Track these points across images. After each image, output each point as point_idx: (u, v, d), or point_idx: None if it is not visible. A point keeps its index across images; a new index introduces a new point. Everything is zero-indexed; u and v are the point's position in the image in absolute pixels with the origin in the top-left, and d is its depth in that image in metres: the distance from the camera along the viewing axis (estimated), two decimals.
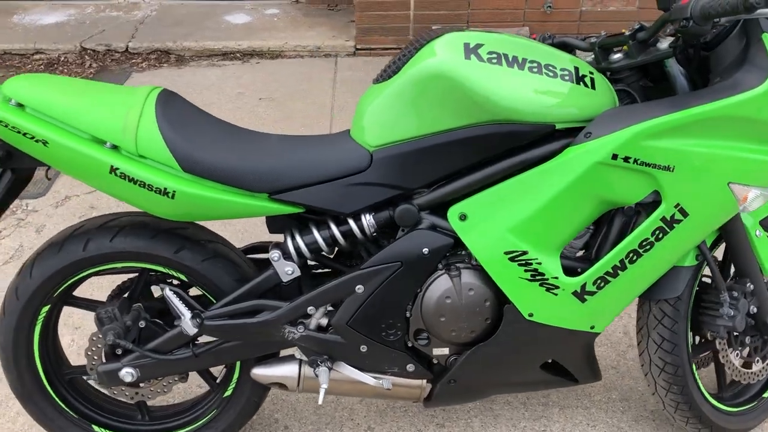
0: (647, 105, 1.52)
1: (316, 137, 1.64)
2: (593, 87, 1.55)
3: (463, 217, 1.56)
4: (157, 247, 1.60)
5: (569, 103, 1.52)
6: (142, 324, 1.67)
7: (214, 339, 1.66)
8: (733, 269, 1.80)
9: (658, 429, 1.96)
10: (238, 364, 1.76)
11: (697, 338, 1.85)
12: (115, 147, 1.47)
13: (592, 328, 1.65)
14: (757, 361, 1.86)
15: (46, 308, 1.67)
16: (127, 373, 1.64)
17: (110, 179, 1.48)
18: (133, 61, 4.28)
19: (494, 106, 1.49)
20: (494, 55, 1.49)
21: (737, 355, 1.82)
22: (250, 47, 4.35)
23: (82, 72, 4.17)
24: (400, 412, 2.01)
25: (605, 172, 1.50)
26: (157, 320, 1.68)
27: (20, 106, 1.47)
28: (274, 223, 1.66)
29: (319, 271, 1.74)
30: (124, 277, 1.74)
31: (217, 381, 1.84)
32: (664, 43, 1.58)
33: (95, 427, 1.80)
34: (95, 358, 1.70)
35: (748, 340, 1.82)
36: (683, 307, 1.71)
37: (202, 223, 1.70)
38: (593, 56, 1.66)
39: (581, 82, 1.54)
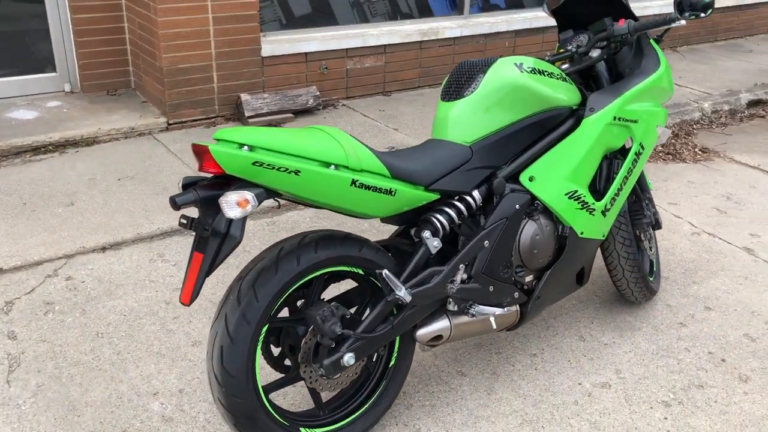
0: (613, 87, 2.46)
1: (427, 146, 2.21)
2: (570, 84, 2.44)
3: (531, 179, 2.30)
4: (348, 249, 2.01)
5: (571, 93, 2.39)
6: (347, 315, 2.03)
7: (399, 313, 2.09)
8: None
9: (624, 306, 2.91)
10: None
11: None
12: (337, 167, 1.88)
13: (603, 235, 2.51)
14: (650, 248, 2.94)
15: (265, 328, 1.93)
16: (349, 358, 1.99)
17: (351, 190, 1.89)
18: None
19: (545, 99, 2.28)
20: (531, 69, 2.28)
21: (651, 241, 2.90)
22: (63, 138, 4.27)
23: None
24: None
25: (610, 129, 2.39)
26: (348, 311, 2.06)
27: (251, 149, 1.78)
28: (402, 217, 2.18)
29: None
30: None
31: (374, 359, 2.23)
32: (595, 53, 2.55)
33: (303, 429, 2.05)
34: (304, 357, 1.99)
35: (651, 231, 2.89)
36: (627, 216, 2.69)
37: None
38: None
39: (566, 81, 2.42)
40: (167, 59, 4.48)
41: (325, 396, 2.27)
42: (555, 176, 2.34)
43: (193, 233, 1.90)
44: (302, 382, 2.21)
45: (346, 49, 5.20)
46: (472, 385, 2.51)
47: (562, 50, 2.63)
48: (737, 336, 2.85)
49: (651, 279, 2.93)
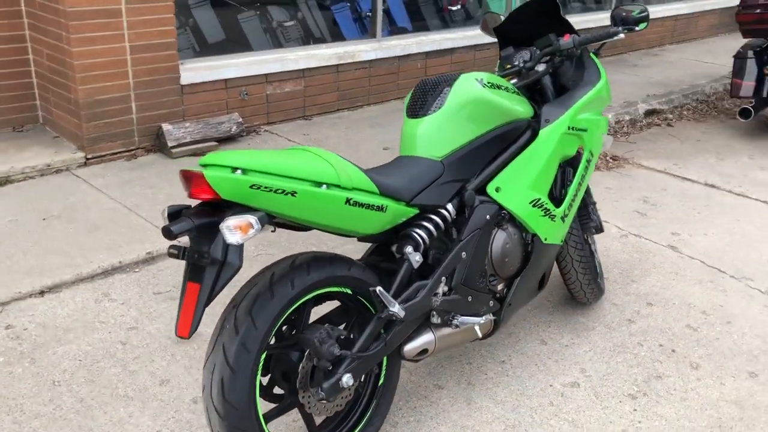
0: (562, 100, 2.60)
1: (401, 162, 2.25)
2: (522, 97, 2.56)
3: (497, 190, 2.39)
4: (337, 269, 2.02)
5: (526, 106, 2.51)
6: (342, 335, 2.02)
7: (389, 329, 2.11)
8: None
9: (575, 308, 3.05)
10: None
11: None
12: (329, 186, 1.88)
13: (562, 240, 2.63)
14: (595, 251, 3.11)
15: (263, 356, 1.89)
16: (348, 379, 1.98)
17: (346, 209, 1.89)
18: None
19: (506, 112, 2.38)
20: (490, 84, 2.38)
21: (594, 245, 3.06)
22: None
23: None
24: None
25: (564, 138, 2.52)
26: (342, 331, 2.05)
27: (245, 172, 1.76)
28: (382, 234, 2.20)
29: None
30: None
31: (362, 378, 2.22)
32: (540, 67, 2.69)
33: None
34: (302, 383, 1.97)
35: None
36: (578, 221, 2.84)
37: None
38: None
39: (519, 95, 2.53)
40: (83, 91, 4.28)
41: (317, 420, 2.24)
42: (519, 186, 2.44)
43: (182, 261, 1.84)
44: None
45: (266, 74, 5.17)
46: (451, 397, 2.55)
47: (508, 65, 2.75)
48: (680, 327, 3.05)
49: (599, 280, 3.09)
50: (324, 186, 1.88)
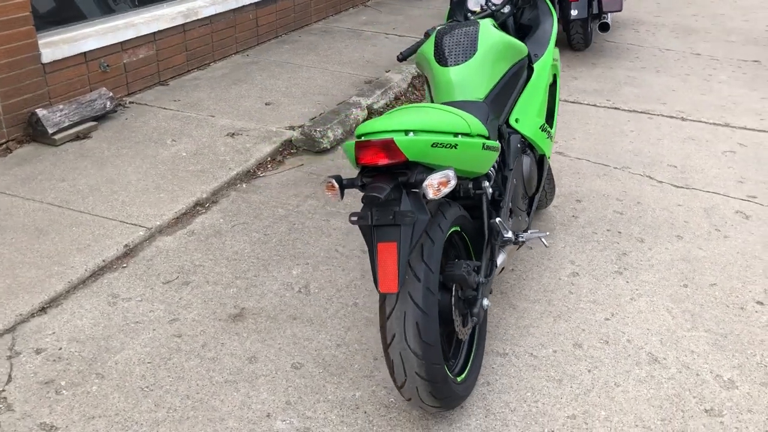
0: (538, 36, 3.02)
1: (461, 107, 2.52)
2: None
3: (517, 120, 2.78)
4: (457, 211, 2.29)
5: (521, 43, 2.90)
6: (475, 267, 2.31)
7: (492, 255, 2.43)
8: None
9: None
10: None
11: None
12: (467, 136, 2.13)
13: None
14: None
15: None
16: (486, 302, 2.29)
17: (481, 153, 2.17)
18: None
19: (519, 50, 2.75)
20: (496, 27, 2.73)
21: None
22: None
23: None
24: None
25: (551, 69, 2.97)
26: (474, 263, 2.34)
27: (415, 133, 1.95)
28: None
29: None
30: None
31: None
32: (506, 9, 3.07)
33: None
34: (457, 312, 2.24)
35: None
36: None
37: None
38: None
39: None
40: None
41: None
42: (531, 115, 2.84)
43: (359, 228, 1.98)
44: None
45: (121, 42, 4.80)
46: (498, 305, 2.96)
47: (478, 10, 3.09)
48: (611, 213, 3.76)
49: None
50: (460, 136, 2.11)
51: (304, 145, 4.30)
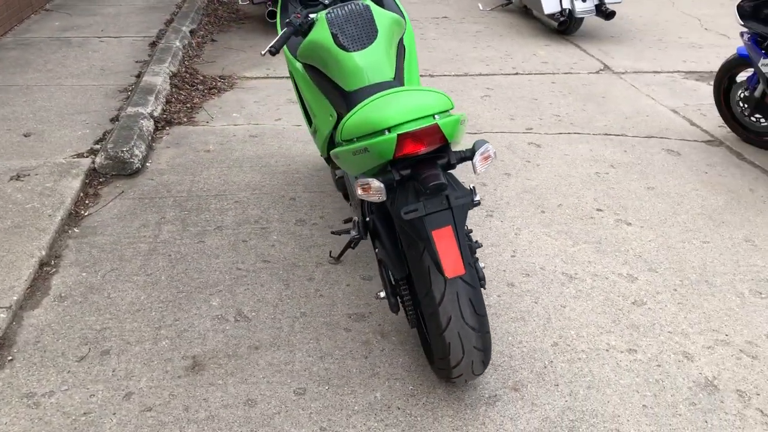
0: (388, 4, 3.11)
1: (379, 89, 2.56)
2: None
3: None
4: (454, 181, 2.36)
5: None
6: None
7: None
8: None
9: None
10: None
11: None
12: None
13: None
14: None
15: None
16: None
17: (461, 128, 2.26)
18: None
19: (402, 21, 2.85)
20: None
21: None
22: None
23: None
24: None
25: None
26: None
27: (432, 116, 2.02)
28: None
29: None
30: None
31: None
32: None
33: None
34: None
35: None
36: None
37: None
38: None
39: None
40: None
41: None
42: (416, 76, 2.96)
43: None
44: None
45: None
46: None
47: None
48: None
49: None
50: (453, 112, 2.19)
51: (113, 170, 3.77)
